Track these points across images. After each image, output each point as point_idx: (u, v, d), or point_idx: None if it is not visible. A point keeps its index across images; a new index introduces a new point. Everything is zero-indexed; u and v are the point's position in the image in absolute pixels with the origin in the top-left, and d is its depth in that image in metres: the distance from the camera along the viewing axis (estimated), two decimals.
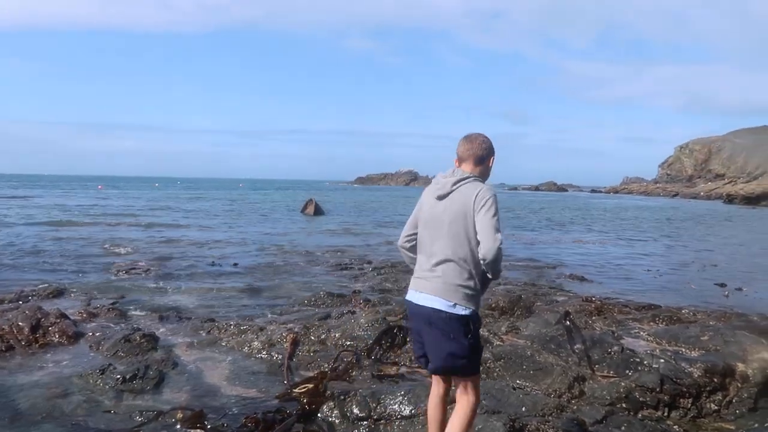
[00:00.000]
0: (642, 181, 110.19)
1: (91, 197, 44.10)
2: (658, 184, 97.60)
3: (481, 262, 2.86)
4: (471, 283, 2.88)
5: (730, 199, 58.81)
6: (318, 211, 29.18)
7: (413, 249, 3.14)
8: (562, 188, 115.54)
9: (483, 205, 2.83)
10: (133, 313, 7.16)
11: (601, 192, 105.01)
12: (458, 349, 2.85)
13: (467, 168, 3.02)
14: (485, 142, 3.06)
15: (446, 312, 2.85)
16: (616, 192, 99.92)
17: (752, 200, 54.56)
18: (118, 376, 4.66)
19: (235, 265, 11.36)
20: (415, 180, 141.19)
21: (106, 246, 14.10)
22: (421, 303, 2.94)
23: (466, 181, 2.95)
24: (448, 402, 3.10)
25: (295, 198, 50.89)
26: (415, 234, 3.12)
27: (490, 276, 2.95)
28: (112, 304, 7.52)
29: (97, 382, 4.62)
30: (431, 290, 2.90)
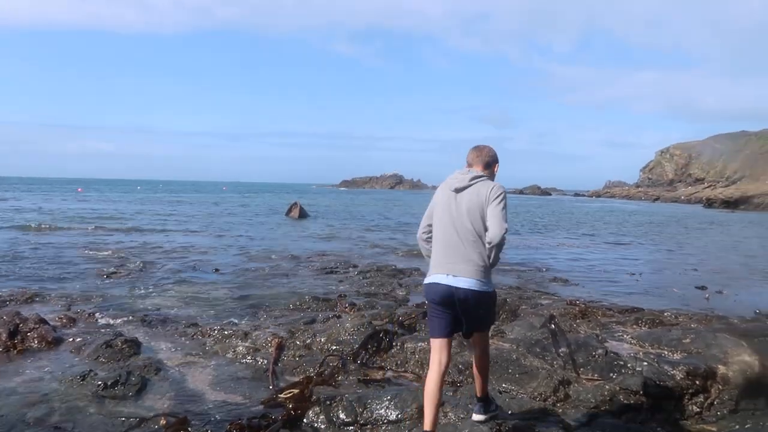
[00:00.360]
0: (624, 185, 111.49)
1: (70, 200, 43.46)
2: (639, 188, 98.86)
3: (487, 245, 3.39)
4: (485, 263, 3.42)
5: (709, 203, 59.75)
6: (303, 215, 29.07)
7: (430, 241, 3.62)
8: (545, 192, 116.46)
9: (495, 198, 3.40)
10: (115, 318, 7.04)
11: (584, 196, 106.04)
12: (485, 315, 3.55)
13: (479, 167, 3.60)
14: (491, 151, 3.66)
15: (481, 292, 3.39)
16: (599, 196, 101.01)
17: (731, 204, 55.50)
18: (100, 382, 4.58)
19: (217, 270, 11.26)
20: (399, 183, 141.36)
21: (87, 250, 13.89)
22: (451, 284, 3.38)
23: (482, 178, 3.52)
24: (444, 381, 3.52)
25: (279, 201, 50.67)
26: (431, 226, 3.61)
27: (490, 260, 3.42)
28: (93, 308, 7.41)
29: (78, 389, 4.54)
30: (468, 272, 3.37)
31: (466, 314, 3.44)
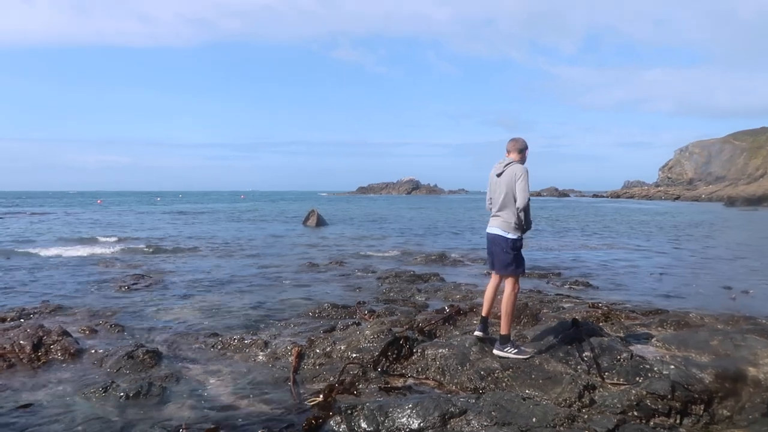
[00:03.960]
0: (643, 184, 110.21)
1: (91, 212, 44.10)
2: (659, 188, 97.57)
3: (517, 210, 5.04)
4: (514, 221, 5.08)
5: (731, 201, 58.73)
6: (320, 222, 29.11)
7: (491, 209, 5.30)
8: (563, 193, 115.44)
9: (519, 178, 5.02)
10: (136, 328, 7.10)
11: (603, 197, 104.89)
12: (507, 258, 5.13)
13: (513, 156, 5.19)
14: (524, 141, 5.26)
15: (500, 236, 5.14)
16: (618, 196, 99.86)
17: (753, 202, 54.52)
18: (122, 394, 4.61)
19: (239, 277, 11.31)
20: (416, 188, 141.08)
21: (107, 261, 14.06)
22: (488, 231, 5.25)
23: (511, 164, 5.14)
24: (498, 290, 5.40)
25: (297, 209, 50.90)
26: (491, 200, 5.28)
27: (523, 220, 5.10)
28: (115, 320, 7.47)
29: (101, 400, 4.57)
30: (496, 224, 5.17)
31: (493, 253, 5.25)
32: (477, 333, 5.40)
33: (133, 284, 10.49)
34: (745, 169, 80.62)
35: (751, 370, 4.53)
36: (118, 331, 6.92)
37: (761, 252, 16.83)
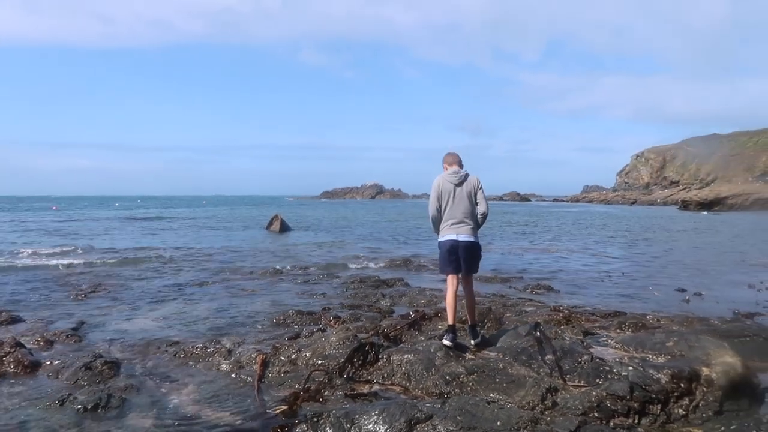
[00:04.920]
0: (601, 189, 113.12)
1: (45, 218, 42.64)
2: (617, 192, 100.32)
3: (479, 216, 5.61)
4: (476, 226, 5.60)
5: (685, 205, 60.81)
6: (284, 228, 28.85)
7: (440, 216, 5.63)
8: (525, 198, 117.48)
9: (480, 187, 5.63)
10: (94, 339, 6.90)
11: (563, 201, 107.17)
12: (477, 260, 5.66)
13: (458, 168, 5.69)
14: (458, 155, 5.78)
15: (476, 243, 5.58)
16: (578, 201, 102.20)
17: (705, 206, 56.57)
18: (79, 406, 4.47)
19: (200, 285, 11.11)
20: (381, 193, 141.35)
21: (64, 270, 13.63)
22: (462, 239, 5.49)
23: (468, 174, 5.65)
24: (457, 293, 5.61)
25: (260, 214, 50.34)
26: (440, 207, 5.60)
27: (480, 222, 5.65)
28: (72, 330, 7.24)
29: (57, 414, 4.42)
30: (467, 232, 5.52)
31: (465, 259, 5.50)
32: (447, 342, 5.35)
33: (91, 292, 10.20)
34: (697, 174, 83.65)
35: (705, 370, 4.69)
36: (75, 342, 6.71)
37: (713, 255, 17.47)
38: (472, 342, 5.59)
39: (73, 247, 19.64)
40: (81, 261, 15.44)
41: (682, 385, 4.52)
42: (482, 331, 6.11)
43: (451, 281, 5.52)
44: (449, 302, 5.50)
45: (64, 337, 6.86)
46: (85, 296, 9.88)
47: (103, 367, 5.41)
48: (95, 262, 15.40)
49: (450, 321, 5.48)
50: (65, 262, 15.31)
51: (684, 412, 4.40)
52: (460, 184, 5.52)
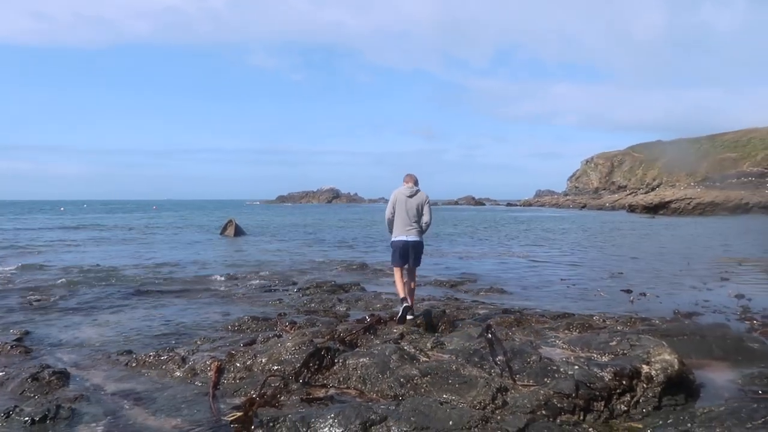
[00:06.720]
0: (553, 194, 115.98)
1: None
2: (567, 197, 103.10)
3: (423, 224, 7.09)
4: (421, 230, 7.09)
5: (632, 208, 63.18)
6: (239, 232, 28.51)
7: (393, 220, 7.08)
8: (479, 202, 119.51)
9: (427, 202, 7.13)
10: (41, 349, 6.70)
11: (516, 205, 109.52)
12: (420, 256, 7.19)
13: (413, 185, 7.12)
14: (415, 176, 7.25)
15: (421, 242, 7.12)
16: (530, 205, 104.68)
17: (651, 209, 58.87)
18: (26, 418, 4.36)
19: (152, 293, 10.89)
20: (337, 197, 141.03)
21: (4, 278, 13.10)
22: (410, 239, 6.98)
23: (419, 190, 7.13)
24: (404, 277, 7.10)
25: (213, 219, 49.48)
26: (394, 212, 7.03)
27: (424, 229, 7.14)
28: (16, 340, 7.00)
29: (2, 427, 4.29)
30: (415, 234, 7.01)
31: (412, 256, 7.01)
32: (410, 316, 6.93)
33: (36, 300, 9.86)
34: (643, 179, 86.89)
35: (645, 368, 4.94)
36: (20, 353, 6.49)
37: (656, 256, 18.23)
38: (410, 317, 6.97)
39: (14, 255, 18.88)
40: (25, 269, 14.86)
41: (624, 382, 4.75)
42: (437, 333, 6.54)
43: (398, 271, 7.08)
44: (399, 283, 7.05)
45: (9, 348, 6.63)
46: (31, 305, 9.55)
47: (52, 378, 5.27)
48: (39, 270, 14.85)
49: (401, 295, 7.06)
50: (8, 268, 14.70)
51: (626, 408, 4.62)
52: (411, 196, 7.01)
